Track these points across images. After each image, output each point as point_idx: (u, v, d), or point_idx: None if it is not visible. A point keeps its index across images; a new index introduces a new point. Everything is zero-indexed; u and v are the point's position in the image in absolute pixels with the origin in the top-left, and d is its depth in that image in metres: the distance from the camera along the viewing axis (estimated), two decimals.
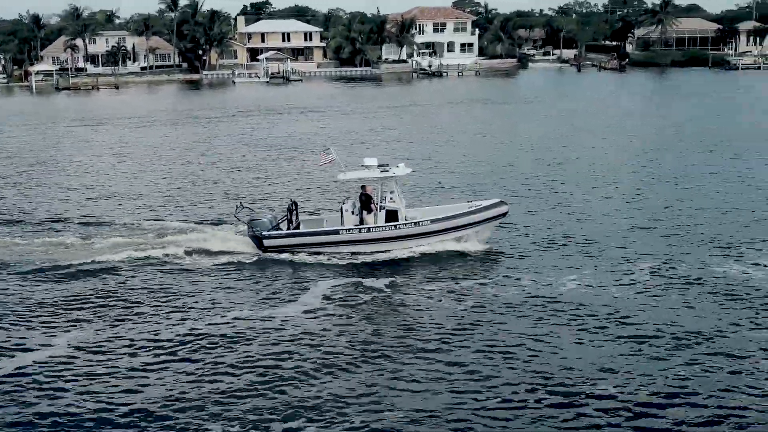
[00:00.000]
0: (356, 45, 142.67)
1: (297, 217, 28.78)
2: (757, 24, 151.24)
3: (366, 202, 27.94)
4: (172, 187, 40.59)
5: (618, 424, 15.94)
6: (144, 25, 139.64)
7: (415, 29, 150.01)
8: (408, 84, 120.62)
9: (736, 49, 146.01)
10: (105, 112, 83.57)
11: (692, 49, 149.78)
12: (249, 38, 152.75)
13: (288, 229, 28.19)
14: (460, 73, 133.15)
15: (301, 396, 17.22)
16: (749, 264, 25.70)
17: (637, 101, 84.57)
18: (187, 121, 72.21)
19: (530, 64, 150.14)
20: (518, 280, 24.69)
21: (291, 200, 29.81)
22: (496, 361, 18.80)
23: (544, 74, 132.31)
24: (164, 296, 23.76)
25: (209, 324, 21.40)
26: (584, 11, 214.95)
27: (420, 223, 27.54)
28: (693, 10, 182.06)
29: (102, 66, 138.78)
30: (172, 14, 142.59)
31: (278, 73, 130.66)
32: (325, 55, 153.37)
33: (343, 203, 28.82)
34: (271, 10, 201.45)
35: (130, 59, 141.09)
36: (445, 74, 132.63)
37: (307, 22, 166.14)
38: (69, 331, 21.15)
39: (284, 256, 27.21)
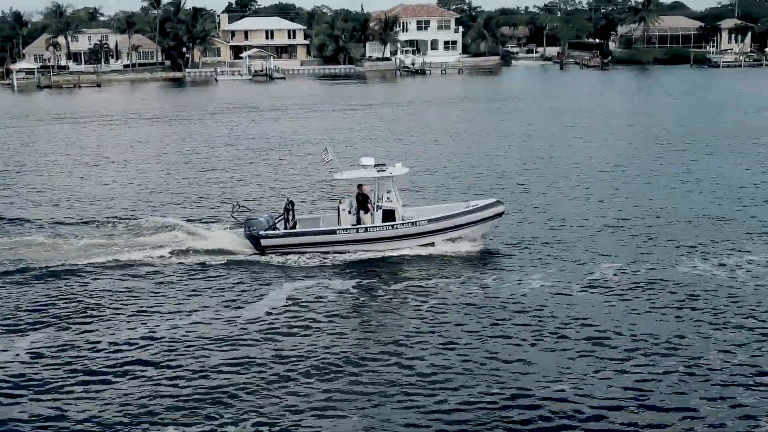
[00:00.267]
0: (339, 43, 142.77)
1: (293, 217, 28.77)
2: (739, 22, 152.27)
3: (363, 202, 27.95)
4: (161, 186, 40.53)
5: (576, 425, 16.18)
6: (126, 23, 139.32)
7: (399, 27, 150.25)
8: (391, 82, 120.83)
9: (718, 47, 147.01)
10: (85, 110, 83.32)
11: (675, 46, 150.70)
12: (232, 36, 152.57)
13: (285, 228, 28.16)
14: (444, 71, 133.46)
15: (295, 396, 17.31)
16: (715, 263, 26.05)
17: (616, 99, 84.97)
18: (165, 120, 72.14)
19: (513, 61, 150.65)
20: (514, 279, 24.79)
21: (288, 200, 29.79)
22: (497, 359, 18.95)
23: (527, 72, 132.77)
24: (160, 297, 23.75)
25: (205, 324, 21.51)
26: (569, 9, 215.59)
27: (417, 223, 27.59)
28: (677, 8, 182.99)
29: (85, 64, 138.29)
30: (156, 12, 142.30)
31: (261, 70, 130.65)
32: (308, 53, 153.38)
33: (340, 203, 28.80)
34: (257, 7, 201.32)
35: (113, 57, 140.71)
36: (428, 72, 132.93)
37: (291, 19, 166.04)
38: (62, 330, 21.22)
39: (281, 255, 27.22)
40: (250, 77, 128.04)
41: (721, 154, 47.01)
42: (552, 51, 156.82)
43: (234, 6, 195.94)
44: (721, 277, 24.71)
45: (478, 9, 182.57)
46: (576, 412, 16.58)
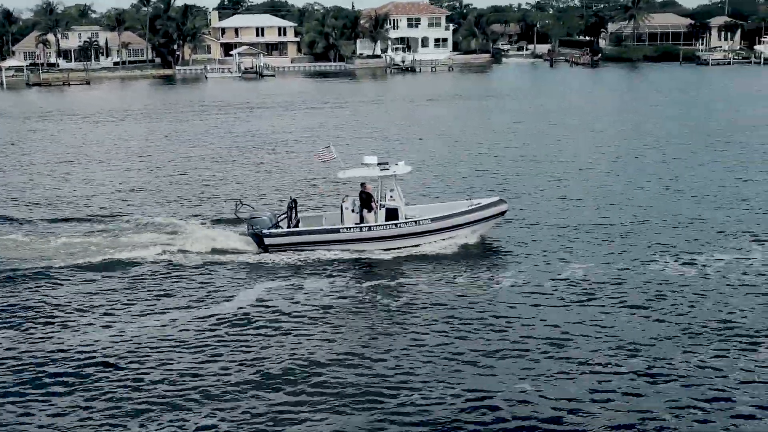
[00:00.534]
0: (330, 40, 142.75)
1: (296, 215, 28.87)
2: (728, 19, 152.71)
3: (366, 201, 28.04)
4: (153, 185, 40.62)
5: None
6: (116, 20, 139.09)
7: (390, 24, 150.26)
8: (382, 79, 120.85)
9: (708, 45, 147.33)
10: (72, 107, 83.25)
11: (664, 44, 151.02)
12: (223, 33, 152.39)
13: (288, 227, 28.28)
14: (434, 69, 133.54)
15: (298, 392, 17.59)
16: (684, 262, 26.32)
17: (604, 97, 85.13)
18: (153, 118, 72.09)
19: (504, 59, 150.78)
20: (516, 278, 24.99)
21: (291, 198, 29.89)
22: (497, 358, 19.15)
23: (517, 70, 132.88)
24: (163, 295, 23.92)
25: (208, 321, 21.71)
26: (561, 6, 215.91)
27: (420, 222, 27.70)
28: (669, 5, 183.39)
29: (74, 61, 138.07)
30: (146, 9, 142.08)
31: (251, 68, 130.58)
32: (299, 50, 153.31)
33: (343, 201, 28.90)
34: (249, 4, 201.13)
35: (103, 54, 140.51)
36: (418, 70, 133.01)
37: (282, 17, 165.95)
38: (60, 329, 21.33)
39: (284, 254, 27.32)
40: (240, 75, 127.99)
41: (706, 153, 47.27)
42: (543, 48, 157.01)
43: (226, 3, 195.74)
44: (690, 274, 24.98)
45: (470, 6, 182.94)
46: (577, 411, 16.82)
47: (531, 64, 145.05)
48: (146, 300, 23.53)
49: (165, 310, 22.70)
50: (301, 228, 28.34)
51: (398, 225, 27.68)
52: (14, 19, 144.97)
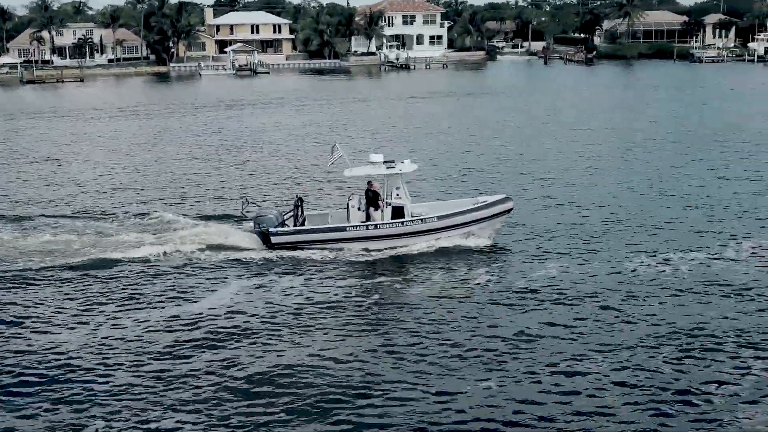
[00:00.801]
0: (324, 37, 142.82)
1: (302, 213, 28.96)
2: (723, 17, 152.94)
3: (373, 199, 28.07)
4: (160, 183, 40.73)
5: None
6: (111, 17, 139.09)
7: (384, 21, 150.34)
8: (376, 77, 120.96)
9: (702, 42, 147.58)
10: (65, 105, 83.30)
11: (659, 41, 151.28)
12: (217, 30, 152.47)
13: (294, 225, 28.38)
14: (428, 66, 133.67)
15: (301, 390, 17.69)
16: (661, 260, 26.50)
17: (593, 95, 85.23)
18: (142, 115, 72.24)
19: (499, 56, 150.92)
20: (522, 274, 25.12)
21: (297, 196, 29.97)
22: (501, 356, 19.27)
23: (512, 67, 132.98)
24: (170, 293, 24.07)
25: (215, 318, 21.91)
26: (558, 3, 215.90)
27: (426, 220, 27.74)
28: (665, 2, 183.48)
29: (69, 58, 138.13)
30: (141, 6, 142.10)
31: (246, 65, 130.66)
32: (294, 48, 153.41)
33: (350, 199, 28.91)
34: (245, 1, 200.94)
35: (97, 51, 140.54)
36: (412, 67, 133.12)
37: (278, 14, 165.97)
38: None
39: (291, 252, 27.40)
40: (234, 72, 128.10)
41: (698, 152, 47.51)
42: (538, 46, 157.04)
43: (222, 0, 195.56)
44: (666, 272, 25.19)
45: (465, 3, 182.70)
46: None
47: (526, 62, 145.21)
48: (151, 298, 23.69)
49: (171, 308, 22.84)
50: (307, 226, 28.47)
51: (404, 223, 27.73)
52: (8, 16, 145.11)
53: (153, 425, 16.42)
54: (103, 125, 65.77)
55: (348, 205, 28.61)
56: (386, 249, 27.46)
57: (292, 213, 28.87)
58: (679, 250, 27.24)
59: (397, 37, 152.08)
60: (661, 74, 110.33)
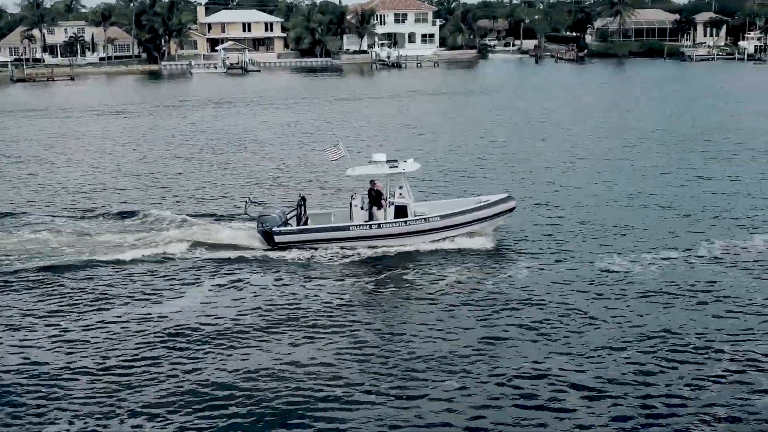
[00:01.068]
0: (316, 35, 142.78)
1: (305, 213, 29.15)
2: (713, 15, 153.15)
3: (376, 198, 28.29)
4: (158, 181, 41.06)
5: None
6: (102, 16, 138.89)
7: (376, 20, 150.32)
8: (367, 75, 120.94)
9: (693, 41, 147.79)
10: (54, 103, 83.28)
11: (650, 40, 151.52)
12: (209, 28, 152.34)
13: (297, 224, 28.59)
14: (419, 65, 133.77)
15: (303, 387, 18.02)
16: (629, 260, 26.76)
17: (578, 94, 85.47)
18: (130, 113, 72.31)
19: (490, 55, 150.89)
20: (524, 273, 25.49)
21: (300, 195, 30.17)
22: (505, 354, 19.59)
23: (503, 66, 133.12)
24: (172, 291, 24.35)
25: (219, 316, 22.23)
26: (550, 1, 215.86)
27: (429, 219, 27.95)
28: (657, 0, 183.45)
29: (60, 57, 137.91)
30: (133, 4, 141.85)
31: (237, 63, 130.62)
32: (286, 46, 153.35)
33: (353, 198, 29.13)
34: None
35: (89, 50, 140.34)
36: (404, 65, 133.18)
37: (270, 12, 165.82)
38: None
39: (294, 251, 27.62)
40: (225, 70, 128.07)
41: (679, 153, 47.82)
42: (529, 44, 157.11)
43: None
44: (635, 271, 25.42)
45: (459, 2, 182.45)
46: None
47: (518, 60, 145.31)
48: (155, 295, 23.96)
49: (174, 306, 23.12)
50: (310, 225, 28.65)
51: (407, 222, 27.96)
52: (0, 14, 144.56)
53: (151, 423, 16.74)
54: (92, 124, 65.80)
55: (351, 204, 28.85)
56: (389, 248, 27.70)
57: (295, 212, 29.10)
58: (664, 250, 27.56)
59: (388, 36, 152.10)
60: (650, 73, 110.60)
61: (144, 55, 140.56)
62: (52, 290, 24.48)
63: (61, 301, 23.60)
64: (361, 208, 28.46)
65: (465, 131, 57.14)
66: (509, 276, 25.35)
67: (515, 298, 23.39)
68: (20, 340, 20.91)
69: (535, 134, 55.14)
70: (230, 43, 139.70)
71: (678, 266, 25.86)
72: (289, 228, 28.23)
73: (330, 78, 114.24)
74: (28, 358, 19.76)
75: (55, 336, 21.14)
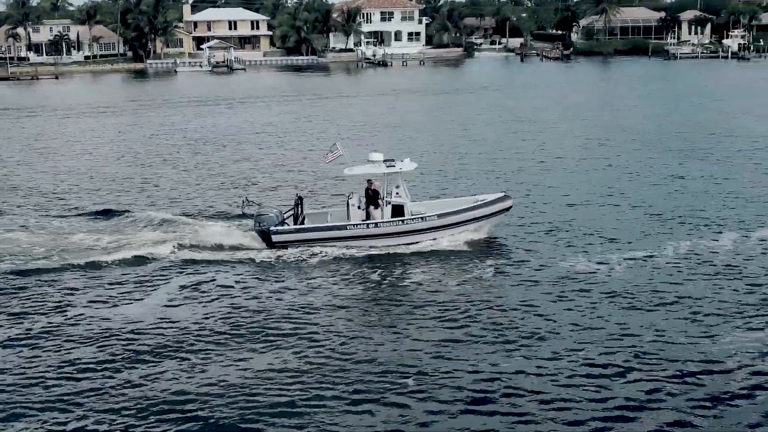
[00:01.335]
0: (302, 34, 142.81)
1: (302, 212, 29.27)
2: (698, 13, 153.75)
3: (373, 197, 28.40)
4: (153, 180, 41.08)
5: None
6: (87, 14, 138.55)
7: (362, 18, 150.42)
8: (353, 74, 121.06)
9: (678, 39, 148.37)
10: (36, 102, 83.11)
11: (635, 38, 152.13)
12: (195, 26, 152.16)
13: (294, 224, 28.69)
14: (405, 63, 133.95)
15: (300, 388, 18.11)
16: (595, 260, 27.02)
17: (565, 92, 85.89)
18: (113, 112, 72.30)
19: (476, 53, 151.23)
20: (521, 272, 25.67)
21: (297, 195, 30.32)
22: (500, 354, 19.67)
23: (488, 64, 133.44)
24: (170, 291, 24.41)
25: (217, 316, 22.33)
26: None
27: (426, 218, 28.08)
28: None
29: (45, 55, 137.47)
30: (118, 3, 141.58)
31: (222, 62, 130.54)
32: (272, 44, 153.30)
33: (350, 198, 29.20)
34: None
35: (74, 48, 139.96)
36: (389, 64, 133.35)
37: (256, 10, 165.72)
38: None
39: (291, 250, 27.70)
40: (210, 69, 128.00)
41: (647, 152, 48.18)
42: (516, 42, 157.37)
43: None
44: (601, 270, 25.71)
45: (445, 0, 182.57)
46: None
47: (504, 58, 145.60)
48: (152, 295, 24.06)
49: (171, 306, 23.23)
50: (308, 225, 28.78)
51: (404, 221, 28.08)
52: None
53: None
54: (74, 123, 65.73)
55: (348, 203, 28.92)
56: (386, 247, 27.84)
57: (292, 212, 29.20)
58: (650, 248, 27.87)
59: (375, 34, 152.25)
60: (634, 71, 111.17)
61: (130, 54, 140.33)
62: (34, 292, 24.47)
63: (48, 302, 23.65)
64: (358, 207, 28.59)
65: (452, 130, 57.18)
66: (506, 275, 25.56)
67: (513, 297, 23.58)
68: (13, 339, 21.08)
69: (520, 133, 55.36)
70: (216, 41, 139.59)
71: (643, 267, 26.10)
72: (286, 227, 28.34)
73: (315, 76, 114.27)
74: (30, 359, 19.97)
75: (54, 335, 21.29)
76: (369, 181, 28.75)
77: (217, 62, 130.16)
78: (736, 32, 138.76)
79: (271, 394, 17.77)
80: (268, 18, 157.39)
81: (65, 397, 17.77)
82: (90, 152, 50.36)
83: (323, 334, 21.00)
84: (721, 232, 29.56)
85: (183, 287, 24.71)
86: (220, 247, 28.06)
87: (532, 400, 17.39)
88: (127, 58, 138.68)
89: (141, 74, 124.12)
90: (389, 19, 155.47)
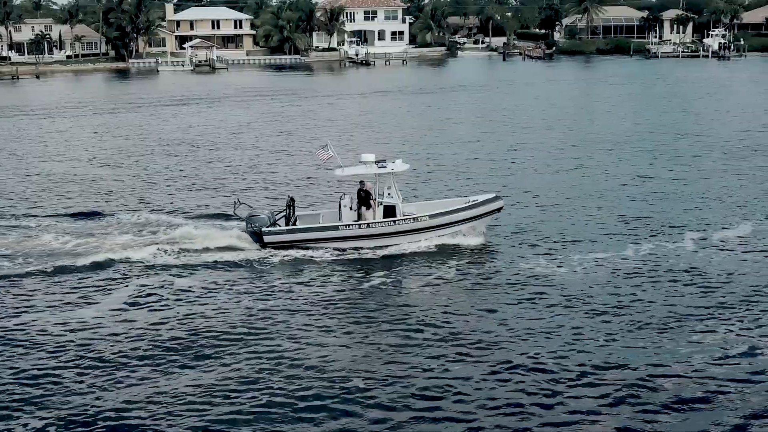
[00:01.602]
0: (285, 33, 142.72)
1: (294, 213, 29.40)
2: (680, 12, 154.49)
3: (365, 198, 28.57)
4: (144, 182, 41.16)
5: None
6: (69, 13, 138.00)
7: (345, 17, 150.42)
8: (336, 73, 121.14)
9: (661, 38, 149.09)
10: (14, 102, 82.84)
11: (618, 37, 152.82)
12: (178, 26, 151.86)
13: (286, 225, 28.84)
14: (387, 62, 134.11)
15: (293, 388, 18.28)
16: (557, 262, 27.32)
17: (542, 92, 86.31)
18: (86, 112, 72.20)
19: (459, 52, 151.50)
20: (513, 271, 25.94)
21: (289, 196, 30.45)
22: (494, 354, 19.93)
23: (471, 63, 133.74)
24: (162, 293, 24.48)
25: (208, 317, 22.51)
26: None
27: (418, 219, 28.29)
28: None
29: (27, 54, 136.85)
30: (100, 2, 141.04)
31: (204, 61, 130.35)
32: (256, 43, 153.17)
33: (341, 199, 29.36)
34: None
35: (56, 47, 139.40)
36: (372, 63, 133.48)
37: (240, 9, 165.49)
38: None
39: (283, 251, 27.82)
40: (192, 68, 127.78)
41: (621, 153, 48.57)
42: (499, 41, 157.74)
43: None
44: (560, 272, 25.97)
45: None
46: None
47: (486, 58, 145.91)
48: (146, 297, 24.16)
49: (165, 307, 23.34)
50: (300, 225, 28.93)
51: (396, 222, 28.28)
52: None
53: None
54: (51, 123, 65.55)
55: (340, 204, 29.11)
56: (378, 248, 28.03)
57: (283, 213, 29.36)
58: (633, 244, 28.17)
59: (358, 33, 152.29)
60: (615, 70, 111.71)
61: (112, 53, 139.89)
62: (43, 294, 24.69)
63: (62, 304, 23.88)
64: (350, 208, 28.80)
65: (432, 131, 57.33)
66: (497, 274, 25.83)
67: (502, 295, 23.88)
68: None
69: (489, 134, 55.65)
70: (198, 40, 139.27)
71: (603, 270, 26.36)
72: (278, 228, 28.52)
73: (298, 76, 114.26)
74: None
75: (64, 333, 21.59)
76: (361, 182, 28.99)
77: (200, 61, 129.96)
78: (716, 31, 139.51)
79: (249, 396, 17.96)
80: (252, 17, 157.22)
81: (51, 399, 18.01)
82: (69, 153, 50.31)
83: (312, 334, 21.19)
84: (682, 234, 29.90)
85: (176, 288, 24.85)
86: (211, 249, 28.18)
87: (482, 406, 17.58)
88: (109, 58, 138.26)
89: (123, 73, 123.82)
90: (373, 18, 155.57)
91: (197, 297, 24.17)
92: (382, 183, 28.99)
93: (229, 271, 26.45)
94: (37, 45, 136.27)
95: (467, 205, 29.14)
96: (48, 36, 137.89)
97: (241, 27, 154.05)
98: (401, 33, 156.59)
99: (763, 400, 17.62)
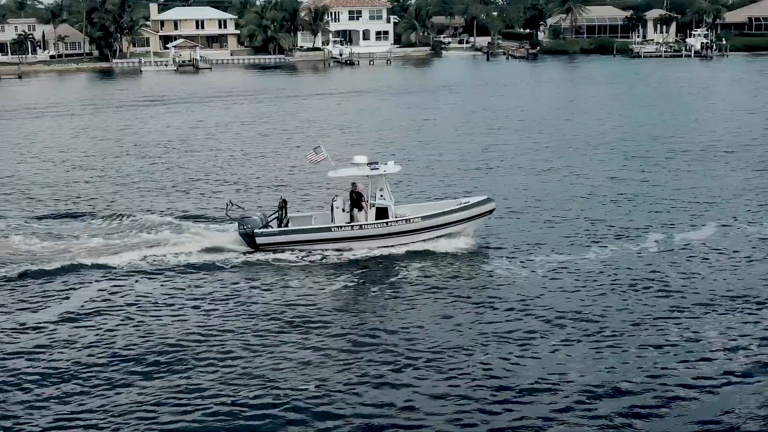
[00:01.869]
0: (269, 33, 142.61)
1: (286, 215, 29.55)
2: (664, 12, 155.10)
3: (357, 200, 28.73)
4: (136, 184, 41.22)
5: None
6: (52, 13, 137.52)
7: (330, 17, 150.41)
8: (320, 73, 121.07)
9: (644, 37, 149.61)
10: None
11: (601, 37, 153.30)
12: (162, 26, 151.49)
13: (278, 226, 28.99)
14: (371, 62, 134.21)
15: (287, 388, 18.56)
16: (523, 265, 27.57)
17: (521, 92, 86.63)
18: (64, 113, 72.09)
19: (444, 52, 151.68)
20: (505, 273, 26.23)
21: (281, 198, 30.65)
22: (489, 355, 20.23)
23: (455, 63, 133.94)
24: (154, 295, 24.67)
25: (201, 319, 22.70)
26: None
27: (411, 221, 28.49)
28: None
29: (10, 54, 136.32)
30: (84, 2, 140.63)
31: (188, 61, 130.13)
32: (240, 43, 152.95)
33: (334, 200, 29.54)
34: None
35: (40, 47, 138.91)
36: (356, 63, 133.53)
37: (225, 9, 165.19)
38: None
39: (275, 253, 27.96)
40: (176, 68, 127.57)
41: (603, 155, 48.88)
42: (484, 41, 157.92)
43: None
44: (522, 275, 26.21)
45: None
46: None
47: (471, 57, 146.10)
48: (137, 299, 24.30)
49: (158, 310, 23.46)
50: (292, 227, 29.05)
51: (389, 224, 28.47)
52: None
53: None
54: (30, 124, 65.40)
55: (332, 206, 29.29)
56: (370, 249, 28.21)
57: (276, 214, 29.52)
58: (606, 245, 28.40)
59: (343, 33, 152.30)
60: (595, 70, 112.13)
61: (96, 53, 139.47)
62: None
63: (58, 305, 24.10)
64: (343, 209, 29.00)
65: (409, 133, 57.57)
66: (489, 276, 26.10)
67: (493, 297, 24.12)
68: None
69: (464, 135, 55.85)
70: (182, 40, 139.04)
71: (564, 273, 26.63)
72: (270, 230, 28.68)
73: (281, 76, 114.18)
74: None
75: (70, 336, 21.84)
76: (353, 183, 29.18)
77: (183, 61, 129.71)
78: (699, 31, 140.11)
79: (246, 396, 18.25)
80: (236, 17, 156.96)
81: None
82: (52, 154, 50.28)
83: (303, 336, 21.44)
84: (646, 236, 30.19)
85: (169, 290, 25.01)
86: (203, 250, 28.31)
87: (430, 413, 17.81)
88: (93, 58, 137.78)
89: (107, 74, 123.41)
90: (357, 18, 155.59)
91: (188, 299, 24.32)
92: (375, 185, 29.16)
93: (220, 272, 26.62)
94: (20, 45, 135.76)
95: (459, 207, 29.39)
96: (31, 36, 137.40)
97: (225, 27, 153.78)
98: (386, 33, 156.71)
99: (718, 402, 17.89)
